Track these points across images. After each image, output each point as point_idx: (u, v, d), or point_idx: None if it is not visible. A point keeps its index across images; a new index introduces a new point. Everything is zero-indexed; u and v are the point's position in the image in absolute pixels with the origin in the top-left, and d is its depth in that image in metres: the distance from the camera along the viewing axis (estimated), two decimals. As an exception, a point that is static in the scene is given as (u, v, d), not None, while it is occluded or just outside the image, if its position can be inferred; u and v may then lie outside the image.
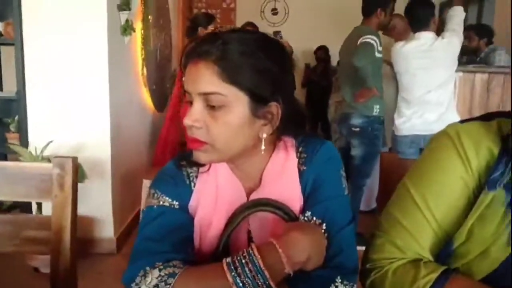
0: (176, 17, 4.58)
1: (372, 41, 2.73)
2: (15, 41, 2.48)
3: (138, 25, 3.14)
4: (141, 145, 3.39)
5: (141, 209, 0.97)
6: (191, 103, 0.76)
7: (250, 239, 0.82)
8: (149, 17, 3.32)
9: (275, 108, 0.77)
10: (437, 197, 0.75)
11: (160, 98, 3.87)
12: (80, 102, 2.55)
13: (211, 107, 0.73)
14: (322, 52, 5.41)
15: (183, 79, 0.77)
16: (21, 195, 1.02)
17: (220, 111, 0.73)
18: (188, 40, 0.80)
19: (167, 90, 4.09)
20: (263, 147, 0.78)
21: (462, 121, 0.79)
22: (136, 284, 0.70)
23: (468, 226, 0.71)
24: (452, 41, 2.63)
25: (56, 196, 0.97)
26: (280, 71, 0.76)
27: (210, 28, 3.35)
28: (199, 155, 0.77)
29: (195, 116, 0.74)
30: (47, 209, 2.33)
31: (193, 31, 3.38)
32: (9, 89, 2.85)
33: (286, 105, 0.77)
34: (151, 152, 3.67)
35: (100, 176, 2.60)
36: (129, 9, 2.76)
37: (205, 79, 0.72)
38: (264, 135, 0.77)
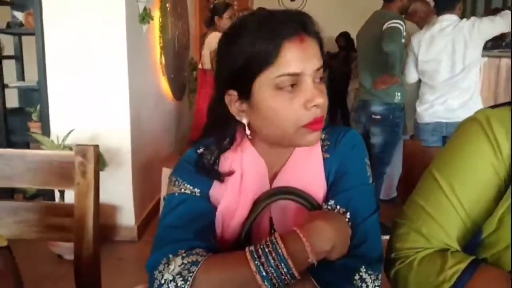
0: (193, 5, 4.56)
1: (400, 26, 2.68)
2: (36, 31, 2.51)
3: (156, 13, 3.13)
4: (160, 133, 3.41)
5: (161, 197, 0.97)
6: (283, 88, 0.71)
7: (271, 227, 0.81)
8: (167, 5, 3.31)
9: None
10: (465, 185, 0.73)
11: (179, 86, 3.88)
12: (100, 90, 2.58)
13: (315, 83, 0.73)
14: (343, 38, 5.34)
15: (280, 61, 0.70)
16: (44, 183, 1.03)
17: (322, 84, 0.75)
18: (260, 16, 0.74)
19: (185, 79, 4.10)
20: None
21: (492, 107, 0.76)
22: (159, 272, 0.70)
23: (498, 215, 0.68)
24: (476, 24, 2.55)
25: (79, 183, 0.98)
26: None
27: (226, 16, 3.34)
28: (318, 135, 0.76)
29: (320, 93, 0.73)
30: (70, 197, 2.37)
31: (212, 20, 3.40)
32: (31, 78, 2.89)
33: None
34: (171, 140, 3.69)
35: (120, 164, 2.63)
36: (147, -3, 2.76)
37: (317, 54, 0.73)
38: None
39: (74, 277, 1.00)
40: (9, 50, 3.03)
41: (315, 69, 0.72)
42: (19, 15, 2.68)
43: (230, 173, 0.80)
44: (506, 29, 2.58)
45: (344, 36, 5.33)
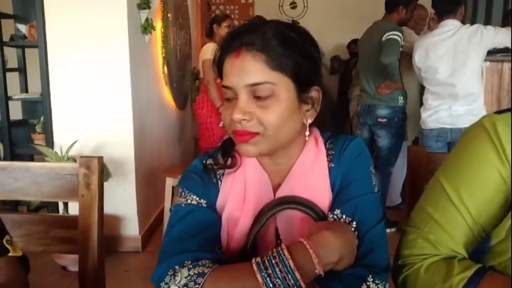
0: (194, 15, 4.59)
1: (397, 37, 2.85)
2: (39, 43, 2.53)
3: (158, 24, 3.15)
4: (163, 143, 3.41)
5: (165, 207, 0.96)
6: (228, 100, 0.76)
7: (277, 237, 0.80)
8: (169, 15, 3.33)
9: (316, 92, 0.78)
10: (472, 192, 0.72)
11: (181, 96, 3.89)
12: (103, 101, 2.59)
13: (259, 98, 0.73)
14: (355, 45, 5.36)
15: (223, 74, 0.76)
16: (48, 196, 1.03)
17: (269, 100, 0.73)
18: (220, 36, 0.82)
19: (187, 88, 4.11)
20: (307, 133, 0.79)
21: (498, 112, 0.74)
22: (166, 284, 0.69)
23: (507, 225, 0.67)
24: (479, 30, 2.54)
25: (83, 195, 0.98)
26: (317, 54, 0.78)
27: (224, 24, 3.38)
28: (249, 148, 0.75)
29: (244, 109, 0.72)
30: (74, 208, 2.37)
31: (211, 30, 3.44)
32: (34, 90, 2.90)
33: (323, 90, 0.79)
34: (174, 149, 3.69)
35: (124, 174, 2.63)
36: (149, 8, 2.78)
37: (253, 69, 0.72)
38: (309, 121, 0.78)
39: (79, 289, 1.00)
40: (12, 62, 3.05)
41: (247, 84, 0.72)
42: (22, 28, 2.70)
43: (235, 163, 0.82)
44: (509, 43, 2.59)
45: (355, 43, 5.33)
